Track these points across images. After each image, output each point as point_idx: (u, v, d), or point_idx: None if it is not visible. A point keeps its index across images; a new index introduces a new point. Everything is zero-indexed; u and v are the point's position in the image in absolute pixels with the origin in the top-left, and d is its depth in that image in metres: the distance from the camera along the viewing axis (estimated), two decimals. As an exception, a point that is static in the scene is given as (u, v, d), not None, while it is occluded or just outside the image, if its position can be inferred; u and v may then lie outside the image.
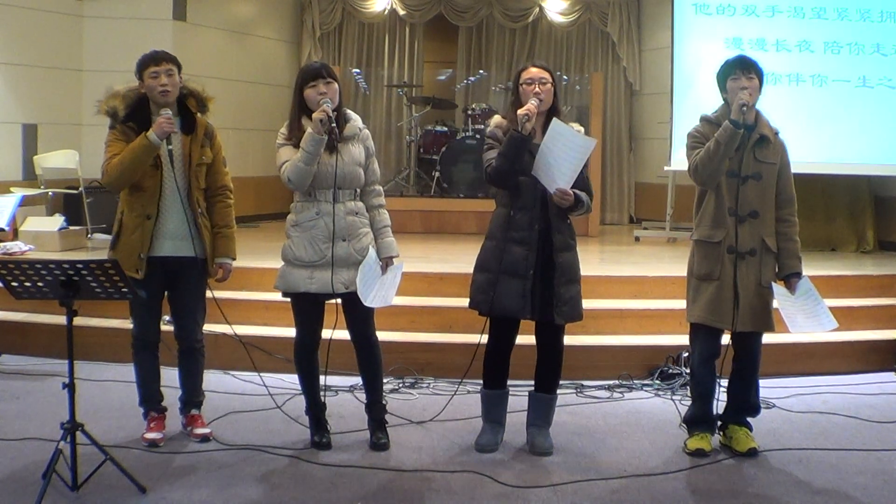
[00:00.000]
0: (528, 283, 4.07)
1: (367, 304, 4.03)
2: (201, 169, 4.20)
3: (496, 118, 4.31)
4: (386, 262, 4.18)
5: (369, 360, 4.27)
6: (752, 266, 4.15)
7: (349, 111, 4.27)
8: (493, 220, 4.22)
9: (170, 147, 4.07)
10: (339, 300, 4.17)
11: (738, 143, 4.09)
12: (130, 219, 4.11)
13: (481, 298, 4.16)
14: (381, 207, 4.25)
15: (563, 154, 3.98)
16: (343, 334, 4.44)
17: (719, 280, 4.14)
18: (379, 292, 4.08)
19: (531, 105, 4.05)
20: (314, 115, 3.96)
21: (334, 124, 3.97)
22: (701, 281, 4.21)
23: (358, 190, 4.17)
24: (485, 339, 4.29)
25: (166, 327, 4.37)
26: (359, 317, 4.19)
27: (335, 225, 4.06)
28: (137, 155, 3.99)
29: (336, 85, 4.07)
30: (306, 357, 4.24)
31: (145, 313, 4.21)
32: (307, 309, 4.15)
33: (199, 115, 4.23)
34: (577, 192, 4.07)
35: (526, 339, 4.32)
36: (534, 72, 4.16)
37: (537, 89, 4.10)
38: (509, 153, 4.04)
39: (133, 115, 4.09)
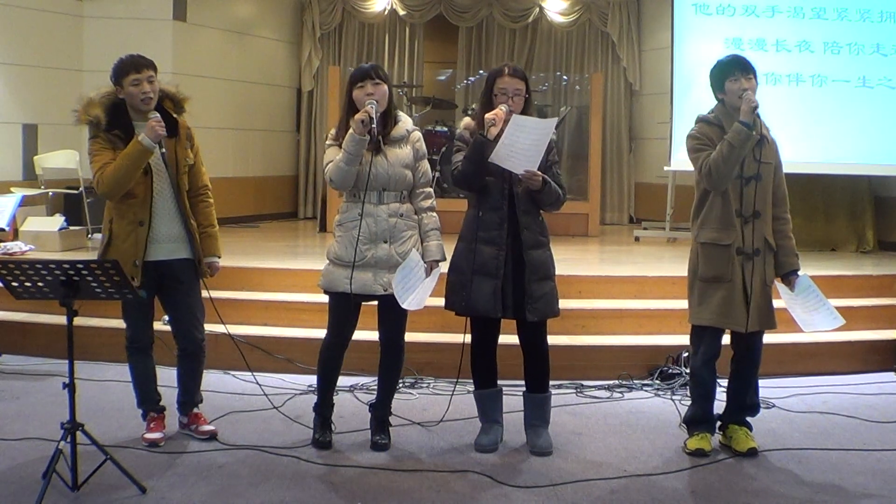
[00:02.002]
0: (499, 282, 4.07)
1: (404, 306, 4.00)
2: (186, 171, 4.19)
3: (465, 120, 4.31)
4: (431, 266, 4.15)
5: (393, 363, 4.27)
6: (758, 266, 4.15)
7: (400, 113, 4.25)
8: (464, 221, 4.23)
9: (163, 151, 4.04)
10: (374, 302, 4.15)
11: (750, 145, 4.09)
12: (121, 226, 4.08)
13: (455, 299, 4.18)
14: (430, 210, 4.21)
15: (528, 142, 3.95)
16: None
17: (731, 282, 4.13)
18: (416, 296, 4.05)
19: (499, 111, 4.03)
20: (355, 116, 3.95)
21: (374, 125, 3.94)
22: (708, 284, 4.18)
23: (405, 192, 4.15)
24: (469, 339, 4.29)
25: (164, 328, 4.36)
26: (392, 320, 4.19)
27: (377, 226, 4.05)
28: (133, 160, 3.96)
29: (385, 87, 4.04)
30: (332, 356, 4.23)
31: (139, 316, 4.21)
32: (343, 309, 4.13)
33: (177, 116, 4.20)
34: (545, 176, 4.06)
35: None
36: (508, 81, 4.11)
37: (510, 102, 4.08)
38: (474, 156, 4.04)
39: (115, 122, 4.05)
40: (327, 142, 4.18)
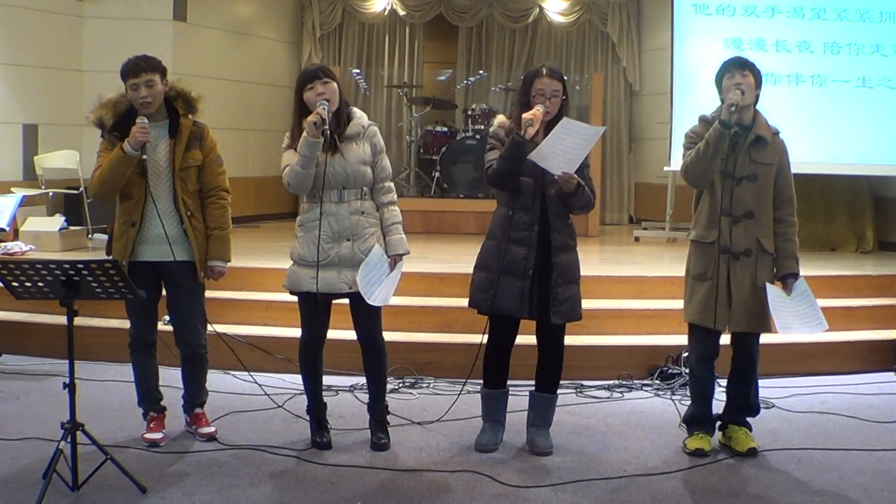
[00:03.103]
0: (528, 282, 4.08)
1: (369, 301, 4.01)
2: (188, 172, 4.15)
3: (500, 118, 4.29)
4: (394, 260, 4.15)
5: (375, 360, 4.26)
6: (747, 266, 4.15)
7: (354, 109, 4.23)
8: (494, 220, 4.22)
9: (144, 157, 4.00)
10: (347, 300, 4.15)
11: (734, 144, 4.10)
12: (118, 226, 4.12)
13: (481, 297, 4.16)
14: (391, 204, 4.20)
15: (572, 145, 3.95)
16: (343, 334, 4.45)
17: (712, 280, 4.15)
18: (382, 290, 4.07)
19: (537, 111, 4.03)
20: (307, 119, 3.95)
21: (328, 126, 3.93)
22: (696, 281, 4.22)
23: (365, 189, 4.14)
24: (486, 339, 4.29)
25: (165, 328, 4.36)
26: (366, 317, 4.18)
27: (339, 225, 4.05)
28: (114, 166, 3.98)
29: (334, 84, 4.04)
30: (310, 357, 4.24)
31: (141, 315, 4.21)
32: (312, 309, 4.14)
33: (187, 116, 4.18)
34: (579, 179, 4.07)
35: (526, 338, 4.32)
36: (546, 83, 4.10)
37: (547, 103, 4.07)
38: (510, 156, 4.03)
39: (119, 124, 4.05)
40: (283, 146, 4.16)
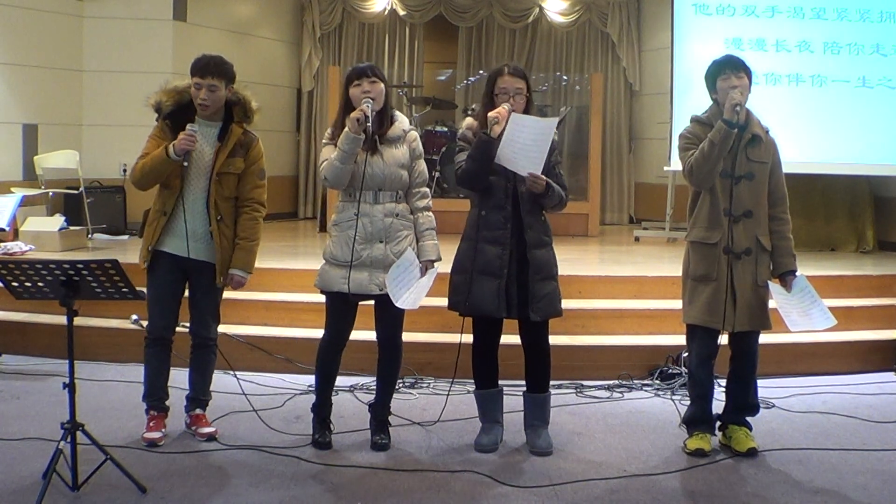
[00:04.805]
0: (503, 281, 4.08)
1: (397, 304, 4.01)
2: (227, 178, 4.18)
3: (467, 120, 4.31)
4: (426, 266, 4.15)
5: (391, 362, 4.27)
6: (748, 266, 4.15)
7: (397, 112, 4.25)
8: (468, 221, 4.23)
9: (185, 164, 4.05)
10: (372, 301, 4.15)
11: (732, 143, 4.10)
12: (152, 212, 4.22)
13: (458, 299, 4.18)
14: (425, 210, 4.21)
15: (529, 141, 3.96)
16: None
17: (716, 281, 4.15)
18: (411, 294, 4.06)
19: (502, 109, 4.04)
20: (351, 115, 3.97)
21: (370, 124, 3.95)
22: (697, 282, 4.21)
23: (401, 192, 4.15)
24: (467, 339, 4.29)
25: (181, 330, 4.36)
26: (389, 318, 4.18)
27: (373, 226, 4.06)
28: (156, 166, 4.06)
29: (381, 85, 4.06)
30: (330, 356, 4.23)
31: (157, 309, 4.23)
32: (340, 308, 4.15)
33: (240, 124, 4.21)
34: (548, 179, 4.07)
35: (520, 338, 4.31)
36: (508, 81, 4.13)
37: (511, 101, 4.08)
38: (478, 155, 4.05)
39: (175, 113, 4.11)
40: (324, 140, 4.21)
